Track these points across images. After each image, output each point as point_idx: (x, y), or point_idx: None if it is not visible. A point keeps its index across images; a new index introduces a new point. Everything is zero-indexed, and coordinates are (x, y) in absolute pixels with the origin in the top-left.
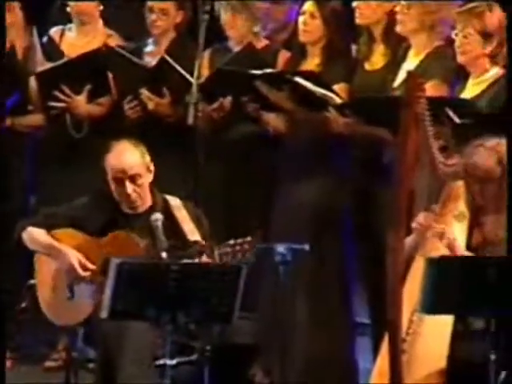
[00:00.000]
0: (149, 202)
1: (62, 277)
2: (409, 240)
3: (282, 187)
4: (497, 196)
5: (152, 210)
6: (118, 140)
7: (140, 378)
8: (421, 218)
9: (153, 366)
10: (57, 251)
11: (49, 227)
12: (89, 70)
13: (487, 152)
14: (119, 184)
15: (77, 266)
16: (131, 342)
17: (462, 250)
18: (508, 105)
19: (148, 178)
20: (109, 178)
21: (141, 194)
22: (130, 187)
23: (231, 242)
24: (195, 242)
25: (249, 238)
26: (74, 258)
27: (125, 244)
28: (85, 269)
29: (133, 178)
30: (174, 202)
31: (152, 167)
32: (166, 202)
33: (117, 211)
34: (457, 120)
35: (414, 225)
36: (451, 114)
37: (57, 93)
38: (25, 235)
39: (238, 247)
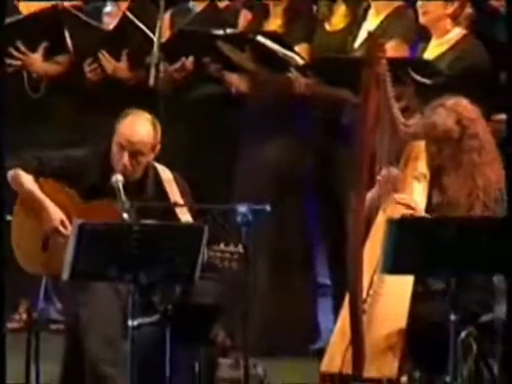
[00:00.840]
0: (140, 173)
1: (38, 228)
2: (370, 195)
3: (245, 148)
4: (455, 156)
5: (142, 182)
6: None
7: (108, 354)
8: (384, 171)
9: (121, 338)
10: (40, 205)
11: (39, 174)
12: (45, 28)
13: (446, 112)
14: (120, 151)
15: (60, 227)
16: (99, 317)
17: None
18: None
19: (150, 157)
20: (114, 140)
21: (136, 168)
22: (127, 159)
23: (222, 246)
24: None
25: (240, 249)
26: (58, 219)
27: (107, 213)
28: (66, 228)
29: (134, 154)
30: (165, 174)
31: (158, 146)
32: (157, 174)
33: (107, 177)
34: (419, 79)
35: (378, 177)
36: (413, 74)
37: (12, 50)
38: (11, 174)
39: (227, 255)
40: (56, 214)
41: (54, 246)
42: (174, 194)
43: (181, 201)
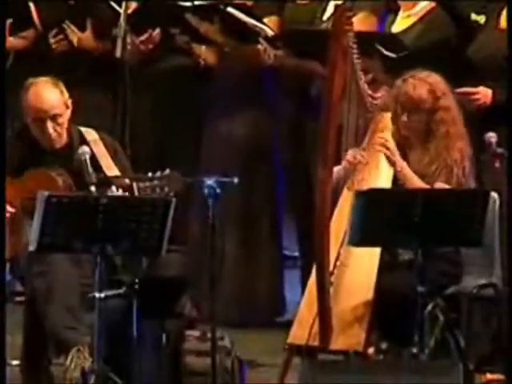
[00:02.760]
0: (65, 137)
1: None
2: (337, 169)
3: (213, 120)
4: (425, 128)
5: (69, 145)
6: (36, 77)
7: (67, 321)
8: (350, 155)
9: (79, 305)
10: None
11: None
12: (10, 4)
13: (419, 82)
14: (39, 124)
15: None
16: (58, 286)
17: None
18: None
19: (67, 115)
20: (28, 118)
21: (60, 132)
22: (50, 126)
23: (149, 175)
24: (114, 177)
25: (167, 172)
26: None
27: (43, 181)
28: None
29: (54, 118)
30: (91, 136)
31: (70, 103)
32: (82, 136)
33: (33, 148)
34: (385, 53)
35: (343, 163)
36: (380, 48)
37: None
38: None
39: (156, 182)
40: None
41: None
42: (101, 153)
43: (110, 161)
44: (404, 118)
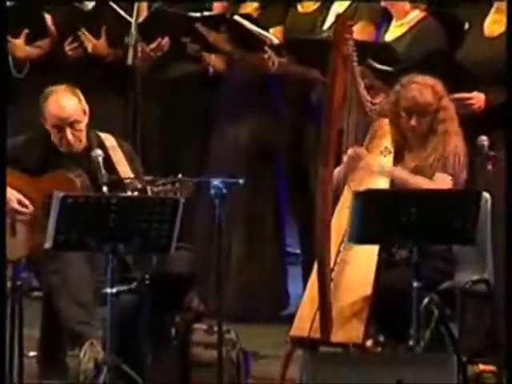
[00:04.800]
0: (84, 142)
1: None
2: (338, 170)
3: (220, 124)
4: (427, 131)
5: (87, 149)
6: (55, 85)
7: (81, 316)
8: (350, 150)
9: (92, 301)
10: None
11: None
12: (26, 15)
13: (422, 87)
14: (59, 131)
15: (18, 207)
16: (72, 282)
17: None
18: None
19: (85, 121)
20: (48, 124)
21: (78, 138)
22: (69, 133)
23: (163, 180)
24: (127, 178)
25: (179, 176)
26: (14, 198)
27: (62, 182)
28: (25, 207)
29: (72, 125)
30: (109, 141)
31: (87, 110)
32: (100, 141)
33: (53, 152)
34: (379, 67)
35: (344, 158)
36: (372, 62)
37: None
38: None
39: (169, 186)
40: (11, 195)
41: (21, 228)
42: (119, 159)
43: (126, 166)
44: (413, 122)
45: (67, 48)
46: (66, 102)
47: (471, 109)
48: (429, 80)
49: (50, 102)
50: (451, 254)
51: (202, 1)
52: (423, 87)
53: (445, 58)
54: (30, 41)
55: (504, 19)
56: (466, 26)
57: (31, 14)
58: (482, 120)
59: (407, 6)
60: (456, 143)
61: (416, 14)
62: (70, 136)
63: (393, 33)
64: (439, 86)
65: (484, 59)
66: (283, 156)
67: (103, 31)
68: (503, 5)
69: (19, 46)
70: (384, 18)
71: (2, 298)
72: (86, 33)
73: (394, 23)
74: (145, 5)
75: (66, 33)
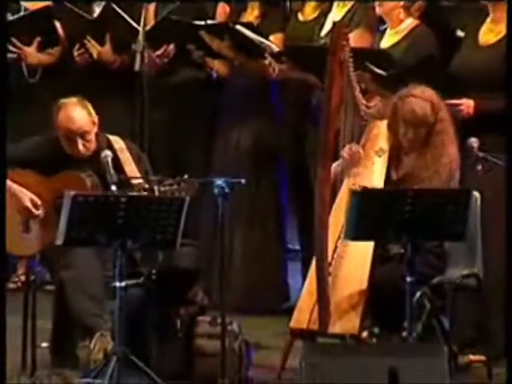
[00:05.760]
0: (94, 146)
1: (16, 213)
2: (335, 165)
3: (223, 128)
4: (424, 139)
5: (97, 152)
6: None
7: (91, 309)
8: (346, 148)
9: (102, 294)
10: (10, 191)
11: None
12: (39, 25)
13: (420, 100)
14: (70, 141)
15: (30, 205)
16: (82, 277)
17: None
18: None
19: (94, 130)
20: (60, 134)
21: (88, 147)
22: (80, 143)
23: (170, 181)
24: (134, 178)
25: (185, 177)
26: (27, 198)
27: (73, 182)
28: (37, 207)
29: (82, 136)
30: (118, 144)
31: (96, 120)
32: (110, 143)
33: (65, 155)
34: (376, 71)
35: (342, 153)
36: (370, 66)
37: (9, 46)
38: None
39: (175, 186)
40: (24, 194)
41: (35, 226)
42: (127, 160)
43: (134, 167)
44: (410, 134)
45: (75, 54)
46: (76, 115)
47: (460, 115)
48: (427, 92)
49: (61, 115)
50: (443, 249)
51: (209, 0)
52: (423, 101)
53: (436, 63)
54: (42, 48)
55: (499, 28)
56: (460, 33)
57: (43, 23)
58: (473, 125)
59: (402, 14)
60: (451, 152)
61: (410, 22)
62: (80, 146)
63: (388, 40)
64: (437, 98)
65: (480, 67)
66: (284, 157)
67: (107, 38)
68: (498, 14)
69: (32, 53)
70: (380, 26)
71: (2, 298)
72: (92, 40)
73: (389, 31)
74: (152, 12)
75: (74, 40)
